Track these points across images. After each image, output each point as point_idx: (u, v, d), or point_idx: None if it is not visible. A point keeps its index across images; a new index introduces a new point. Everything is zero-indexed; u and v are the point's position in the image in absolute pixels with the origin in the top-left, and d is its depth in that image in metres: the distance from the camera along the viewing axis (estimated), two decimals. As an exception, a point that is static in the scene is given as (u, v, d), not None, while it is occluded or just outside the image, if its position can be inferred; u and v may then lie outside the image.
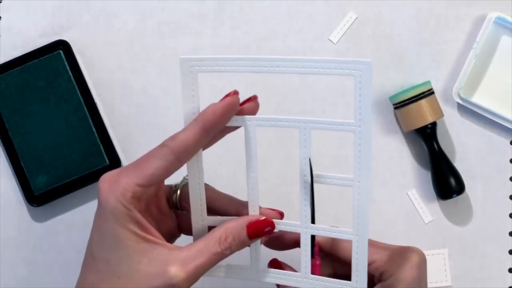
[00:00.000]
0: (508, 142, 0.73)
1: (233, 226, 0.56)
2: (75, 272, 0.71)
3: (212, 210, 0.58)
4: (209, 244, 0.55)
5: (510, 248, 0.72)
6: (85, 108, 0.71)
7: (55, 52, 0.72)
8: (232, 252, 0.55)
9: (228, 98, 0.54)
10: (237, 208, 0.58)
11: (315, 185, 0.56)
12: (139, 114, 0.73)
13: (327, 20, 0.73)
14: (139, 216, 0.54)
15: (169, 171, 0.53)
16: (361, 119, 0.53)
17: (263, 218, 0.57)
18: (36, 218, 0.73)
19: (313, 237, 0.57)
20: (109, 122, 0.73)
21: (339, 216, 0.72)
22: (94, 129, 0.71)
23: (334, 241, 0.59)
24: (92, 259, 0.55)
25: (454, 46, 0.74)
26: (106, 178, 0.54)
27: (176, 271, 0.53)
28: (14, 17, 0.74)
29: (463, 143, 0.73)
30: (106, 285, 0.54)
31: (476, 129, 0.73)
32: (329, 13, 0.73)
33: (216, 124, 0.54)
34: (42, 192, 0.71)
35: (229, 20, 0.74)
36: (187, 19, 0.74)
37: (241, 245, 0.56)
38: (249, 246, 0.57)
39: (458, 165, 0.72)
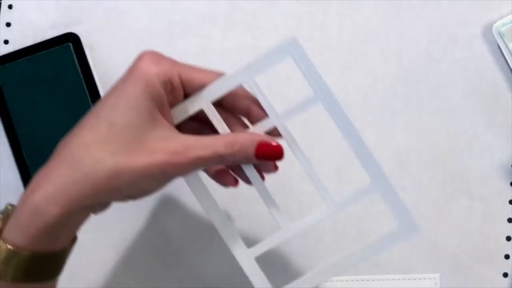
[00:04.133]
0: None
1: (245, 137, 0.56)
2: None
3: (220, 102, 0.58)
4: (216, 142, 0.55)
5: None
6: (91, 103, 0.72)
7: (64, 45, 0.72)
8: (233, 161, 0.55)
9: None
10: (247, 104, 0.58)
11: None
12: (143, 112, 0.73)
13: (338, 30, 0.73)
14: (165, 99, 0.55)
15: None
16: (319, 87, 0.55)
17: (275, 143, 0.56)
18: (34, 209, 0.73)
19: None
20: (113, 118, 0.73)
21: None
22: (98, 124, 0.71)
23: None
24: (95, 119, 0.53)
25: None
26: (151, 52, 0.55)
27: (178, 152, 0.53)
28: (26, 7, 0.74)
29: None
30: (101, 148, 0.52)
31: None
32: (340, 24, 0.74)
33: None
34: (42, 183, 0.71)
35: (240, 24, 0.74)
36: (198, 20, 0.74)
37: (244, 158, 0.55)
38: (251, 163, 0.57)
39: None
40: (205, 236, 0.72)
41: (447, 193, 0.72)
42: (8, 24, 0.74)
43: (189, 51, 0.74)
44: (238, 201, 0.72)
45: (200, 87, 0.57)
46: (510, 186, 0.72)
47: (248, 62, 0.56)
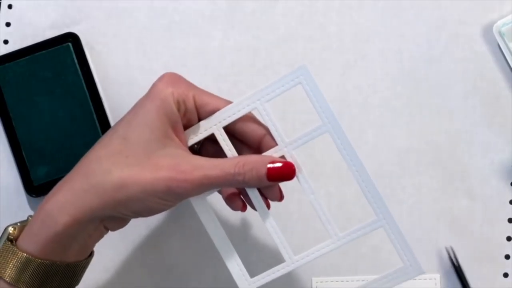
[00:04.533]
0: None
1: (256, 158, 0.56)
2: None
3: (233, 131, 0.59)
4: (226, 162, 0.55)
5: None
6: (90, 103, 0.72)
7: (64, 45, 0.72)
8: (243, 181, 0.55)
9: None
10: (260, 134, 0.59)
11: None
12: (143, 112, 0.73)
13: (338, 30, 0.73)
14: (179, 119, 0.56)
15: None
16: (327, 117, 0.56)
17: (287, 161, 0.57)
18: (35, 209, 0.73)
19: None
20: (113, 118, 0.73)
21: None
22: (97, 124, 0.71)
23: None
24: (111, 134, 0.56)
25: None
26: (170, 73, 0.57)
27: (186, 171, 0.54)
28: (25, 7, 0.74)
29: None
30: (112, 160, 0.54)
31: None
32: (340, 23, 0.74)
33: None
34: (42, 183, 0.71)
35: (240, 24, 0.74)
36: (198, 20, 0.74)
37: (256, 179, 0.56)
38: (261, 186, 0.57)
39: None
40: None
41: (447, 193, 0.72)
42: (8, 24, 0.74)
43: (189, 51, 0.74)
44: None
45: (213, 112, 0.58)
46: (510, 186, 0.72)
47: (259, 88, 0.57)
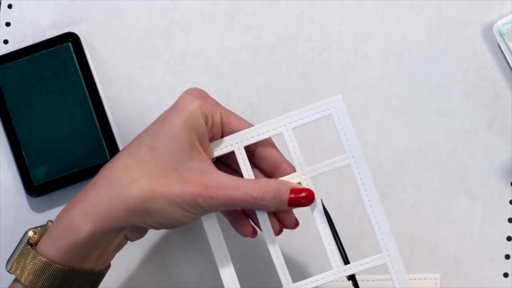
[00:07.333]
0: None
1: (278, 184, 0.57)
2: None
3: (252, 153, 0.59)
4: (249, 185, 0.56)
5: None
6: (90, 103, 0.72)
7: (64, 44, 0.72)
8: (266, 205, 0.56)
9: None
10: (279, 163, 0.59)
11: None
12: (143, 112, 0.73)
13: (338, 30, 0.73)
14: (206, 132, 0.56)
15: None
16: (352, 150, 0.57)
17: (308, 189, 0.58)
18: (35, 208, 0.73)
19: (353, 276, 0.59)
20: (113, 118, 0.73)
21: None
22: (97, 124, 0.71)
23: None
24: (137, 144, 0.56)
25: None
26: (197, 88, 0.58)
27: (212, 187, 0.55)
28: (25, 7, 0.74)
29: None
30: (139, 170, 0.55)
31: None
32: (340, 23, 0.74)
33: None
34: (42, 183, 0.71)
35: (239, 23, 0.74)
36: (198, 20, 0.74)
37: (278, 205, 0.56)
38: (280, 211, 0.58)
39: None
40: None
41: (447, 193, 0.72)
42: (7, 24, 0.74)
43: (189, 51, 0.74)
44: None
45: (236, 131, 0.58)
46: (510, 186, 0.72)
47: (289, 113, 0.58)
